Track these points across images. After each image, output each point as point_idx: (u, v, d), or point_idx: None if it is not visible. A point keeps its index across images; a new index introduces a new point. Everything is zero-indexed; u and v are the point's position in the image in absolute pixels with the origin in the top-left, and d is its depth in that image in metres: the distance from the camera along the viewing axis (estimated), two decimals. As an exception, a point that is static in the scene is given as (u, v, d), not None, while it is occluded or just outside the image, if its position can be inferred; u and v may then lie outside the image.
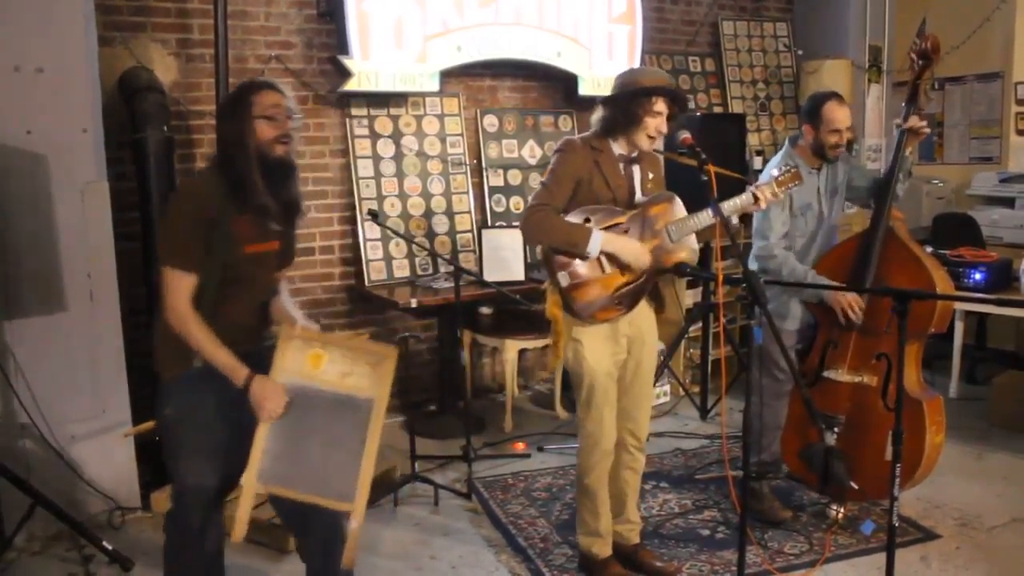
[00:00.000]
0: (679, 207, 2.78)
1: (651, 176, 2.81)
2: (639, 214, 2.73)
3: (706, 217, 2.68)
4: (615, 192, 2.72)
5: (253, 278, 2.34)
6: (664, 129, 2.65)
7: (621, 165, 2.74)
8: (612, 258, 2.68)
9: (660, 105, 2.62)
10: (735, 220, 2.70)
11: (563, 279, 2.68)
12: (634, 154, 2.76)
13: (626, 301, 2.71)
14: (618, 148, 2.74)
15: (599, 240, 2.61)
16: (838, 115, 3.22)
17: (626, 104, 2.63)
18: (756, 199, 2.75)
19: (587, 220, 2.68)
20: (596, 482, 2.85)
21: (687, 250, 2.75)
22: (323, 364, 2.22)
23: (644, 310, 2.87)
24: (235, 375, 2.19)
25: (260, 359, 2.25)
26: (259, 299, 2.40)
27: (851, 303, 3.14)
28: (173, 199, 2.45)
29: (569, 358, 2.81)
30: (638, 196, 2.77)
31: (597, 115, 2.74)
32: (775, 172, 2.93)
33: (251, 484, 2.17)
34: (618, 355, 2.81)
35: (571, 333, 2.77)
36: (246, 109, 2.25)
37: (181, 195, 2.42)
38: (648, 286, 2.76)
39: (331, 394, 2.21)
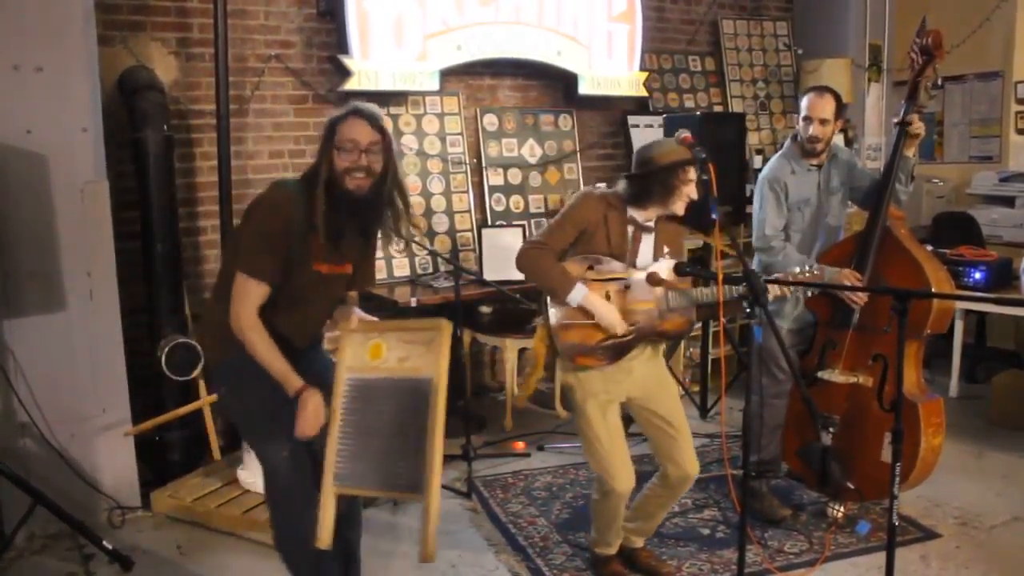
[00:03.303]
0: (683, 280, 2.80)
1: (666, 251, 2.82)
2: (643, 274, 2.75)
3: (709, 293, 2.69)
4: (613, 249, 2.75)
5: (313, 297, 2.33)
6: (695, 195, 2.71)
7: (630, 228, 2.77)
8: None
9: (692, 173, 2.70)
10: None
11: (554, 316, 2.75)
12: (648, 223, 2.78)
13: (609, 354, 2.74)
14: (636, 214, 2.76)
15: (580, 295, 2.68)
16: (811, 103, 3.23)
17: (664, 177, 2.69)
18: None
19: (590, 267, 2.73)
20: (612, 511, 2.86)
21: (684, 320, 2.78)
22: (383, 353, 2.22)
23: (651, 369, 2.85)
24: (289, 385, 2.20)
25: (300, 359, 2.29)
26: (311, 320, 2.38)
27: (853, 282, 3.08)
28: (259, 208, 2.26)
29: (566, 400, 2.84)
30: (640, 262, 2.78)
31: (625, 186, 2.76)
32: (795, 269, 2.90)
33: (329, 488, 2.19)
34: (615, 397, 2.80)
35: (565, 378, 2.82)
36: (331, 135, 2.23)
37: (268, 206, 2.24)
38: (635, 344, 2.76)
39: (393, 381, 2.21)
